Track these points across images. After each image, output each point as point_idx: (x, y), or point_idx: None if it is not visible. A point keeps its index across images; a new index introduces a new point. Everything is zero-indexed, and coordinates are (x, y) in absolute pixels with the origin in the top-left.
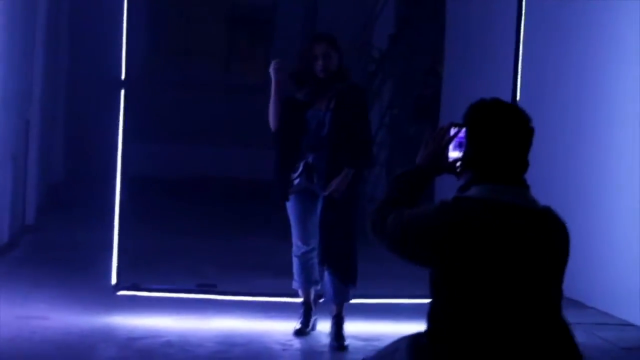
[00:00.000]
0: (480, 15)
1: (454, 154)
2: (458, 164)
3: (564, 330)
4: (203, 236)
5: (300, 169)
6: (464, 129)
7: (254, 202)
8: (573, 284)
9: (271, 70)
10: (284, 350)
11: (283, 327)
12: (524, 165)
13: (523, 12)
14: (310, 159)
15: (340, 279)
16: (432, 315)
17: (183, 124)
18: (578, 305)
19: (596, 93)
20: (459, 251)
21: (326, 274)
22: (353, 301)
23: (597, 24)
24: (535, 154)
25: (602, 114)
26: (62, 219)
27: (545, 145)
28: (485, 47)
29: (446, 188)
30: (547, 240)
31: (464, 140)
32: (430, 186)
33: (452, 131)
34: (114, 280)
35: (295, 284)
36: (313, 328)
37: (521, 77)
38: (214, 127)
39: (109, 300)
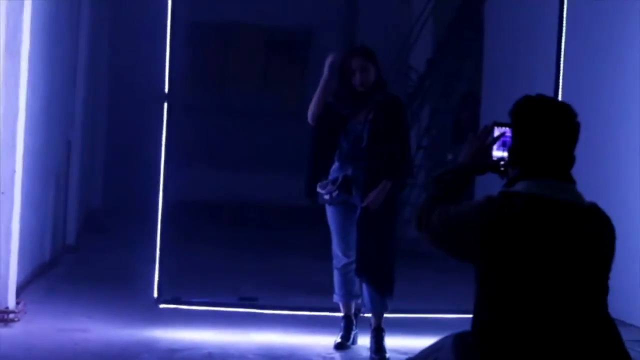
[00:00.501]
0: (518, 38)
1: (497, 153)
2: (502, 162)
3: (611, 327)
4: (242, 257)
5: (340, 180)
6: (507, 128)
7: (291, 226)
8: (612, 301)
9: (327, 63)
10: None
11: (324, 341)
12: (571, 160)
13: (563, 35)
14: (349, 171)
15: (377, 290)
16: (478, 312)
17: (221, 149)
18: (618, 323)
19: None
20: (505, 246)
21: (364, 286)
22: (393, 315)
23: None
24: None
25: None
26: (102, 241)
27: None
28: (523, 71)
29: (485, 188)
30: (594, 236)
31: (507, 139)
32: (470, 186)
33: (496, 130)
34: (155, 294)
35: (336, 297)
36: (354, 342)
37: (562, 94)
38: (251, 152)
39: (150, 313)
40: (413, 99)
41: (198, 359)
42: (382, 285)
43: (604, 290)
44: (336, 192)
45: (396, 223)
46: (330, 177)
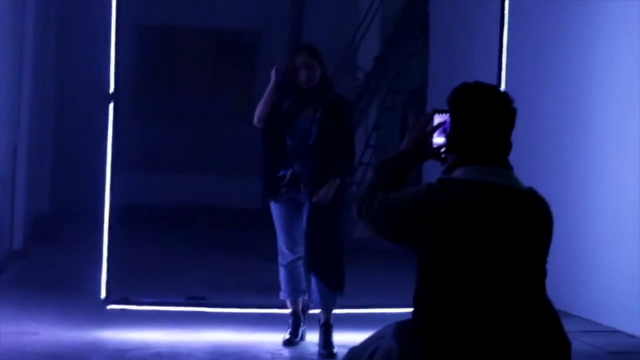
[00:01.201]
0: (463, 35)
1: (438, 139)
2: (442, 149)
3: (548, 308)
4: (190, 259)
5: (288, 177)
6: (447, 115)
7: (240, 228)
8: (557, 293)
9: (273, 72)
10: (273, 359)
11: (272, 338)
12: (508, 146)
13: (505, 31)
14: (296, 168)
15: (328, 285)
16: (418, 299)
17: (169, 152)
18: (563, 314)
19: (584, 98)
20: (444, 232)
21: (313, 281)
22: (341, 311)
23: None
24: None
25: (590, 125)
26: (50, 246)
27: (527, 153)
28: (468, 68)
29: (434, 174)
30: (531, 220)
31: (447, 126)
32: (418, 173)
33: (437, 117)
34: (103, 295)
35: (283, 295)
36: (302, 338)
37: (505, 86)
38: (200, 155)
39: (98, 315)
40: (360, 98)
41: (147, 358)
42: (333, 280)
43: (542, 273)
44: (284, 188)
45: (343, 219)
46: (278, 175)
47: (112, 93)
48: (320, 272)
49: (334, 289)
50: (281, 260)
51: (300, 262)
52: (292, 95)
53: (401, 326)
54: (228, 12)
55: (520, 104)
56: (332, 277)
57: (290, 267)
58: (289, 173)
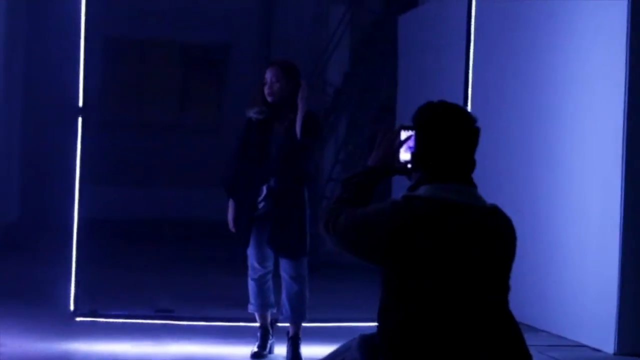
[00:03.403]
0: (431, 50)
1: (405, 155)
2: (409, 165)
3: (511, 324)
4: (159, 272)
5: (264, 192)
6: (413, 131)
7: (209, 241)
8: (523, 308)
9: None
10: None
11: (240, 351)
12: (471, 164)
13: (471, 49)
14: (272, 183)
15: (291, 255)
16: (382, 313)
17: (138, 165)
18: (530, 329)
19: (547, 109)
20: (408, 248)
21: (284, 294)
22: (309, 325)
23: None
24: (481, 174)
25: (553, 130)
26: (17, 257)
27: (491, 164)
28: (436, 82)
29: (403, 189)
30: (495, 237)
31: (413, 142)
32: (387, 187)
33: (403, 133)
34: (72, 307)
35: (252, 307)
36: (270, 351)
37: (471, 103)
38: (168, 168)
39: (66, 327)
40: (330, 113)
41: None
42: (294, 249)
43: (505, 288)
44: (262, 203)
45: (306, 216)
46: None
47: (81, 107)
48: (282, 244)
49: (297, 257)
50: (251, 274)
51: (270, 276)
52: (258, 105)
53: (365, 339)
54: (196, 25)
55: (486, 121)
56: (295, 245)
57: (260, 282)
58: (264, 188)
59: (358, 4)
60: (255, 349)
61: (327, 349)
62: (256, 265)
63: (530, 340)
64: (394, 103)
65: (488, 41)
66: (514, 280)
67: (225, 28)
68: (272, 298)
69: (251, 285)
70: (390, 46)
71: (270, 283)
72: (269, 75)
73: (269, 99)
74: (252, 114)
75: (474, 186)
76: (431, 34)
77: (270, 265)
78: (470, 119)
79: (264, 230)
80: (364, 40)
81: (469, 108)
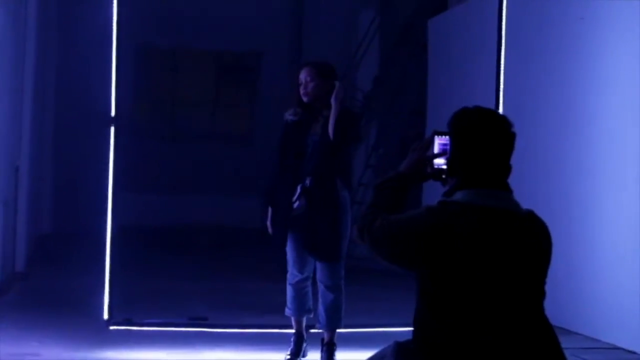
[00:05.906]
0: (462, 53)
1: (439, 161)
2: (443, 171)
3: (548, 330)
4: (192, 280)
5: (298, 191)
6: (447, 137)
7: (242, 248)
8: (557, 310)
9: None
10: None
11: (274, 358)
12: (507, 169)
13: (502, 51)
14: (307, 183)
15: (326, 259)
16: (418, 320)
17: (171, 174)
18: (564, 331)
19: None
20: (444, 254)
21: (320, 302)
22: (345, 330)
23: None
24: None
25: (587, 132)
26: (52, 268)
27: (525, 169)
28: (467, 86)
29: (434, 196)
30: (531, 243)
31: (448, 147)
32: (418, 194)
33: (437, 140)
34: (106, 316)
35: (288, 311)
36: (304, 355)
37: (503, 108)
38: (201, 176)
39: (101, 336)
40: (360, 118)
41: None
42: (330, 254)
43: (541, 294)
44: (296, 203)
45: (345, 219)
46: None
47: (113, 117)
48: (318, 248)
49: (332, 261)
50: (289, 278)
51: (309, 283)
52: (294, 106)
53: (401, 346)
54: (229, 33)
55: (518, 125)
56: (330, 251)
57: (298, 287)
58: (299, 187)
59: (388, 9)
60: (288, 355)
61: (362, 355)
62: (294, 271)
63: (564, 342)
64: (424, 107)
65: (518, 44)
66: (548, 283)
67: (257, 36)
68: (309, 304)
69: (289, 290)
70: (420, 50)
71: (308, 289)
72: (303, 75)
73: (304, 99)
74: (287, 116)
75: (510, 191)
76: (461, 38)
77: (308, 271)
78: (506, 125)
79: (301, 234)
80: (393, 45)
81: (500, 111)
